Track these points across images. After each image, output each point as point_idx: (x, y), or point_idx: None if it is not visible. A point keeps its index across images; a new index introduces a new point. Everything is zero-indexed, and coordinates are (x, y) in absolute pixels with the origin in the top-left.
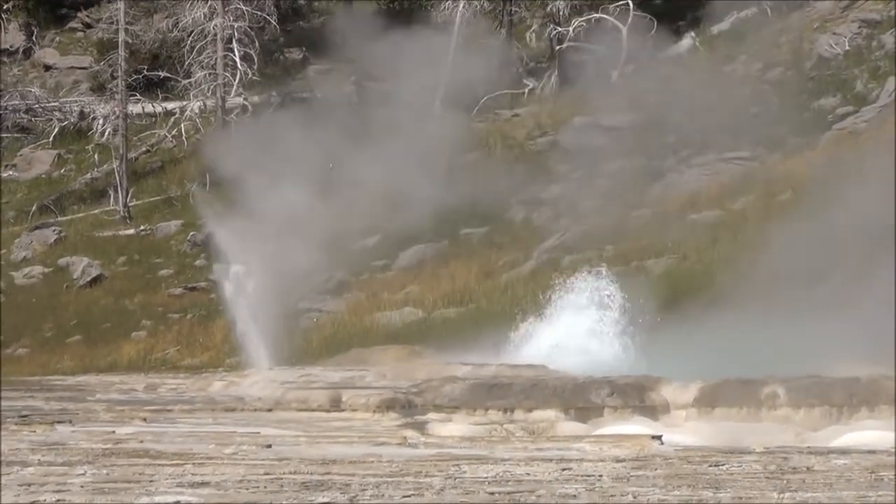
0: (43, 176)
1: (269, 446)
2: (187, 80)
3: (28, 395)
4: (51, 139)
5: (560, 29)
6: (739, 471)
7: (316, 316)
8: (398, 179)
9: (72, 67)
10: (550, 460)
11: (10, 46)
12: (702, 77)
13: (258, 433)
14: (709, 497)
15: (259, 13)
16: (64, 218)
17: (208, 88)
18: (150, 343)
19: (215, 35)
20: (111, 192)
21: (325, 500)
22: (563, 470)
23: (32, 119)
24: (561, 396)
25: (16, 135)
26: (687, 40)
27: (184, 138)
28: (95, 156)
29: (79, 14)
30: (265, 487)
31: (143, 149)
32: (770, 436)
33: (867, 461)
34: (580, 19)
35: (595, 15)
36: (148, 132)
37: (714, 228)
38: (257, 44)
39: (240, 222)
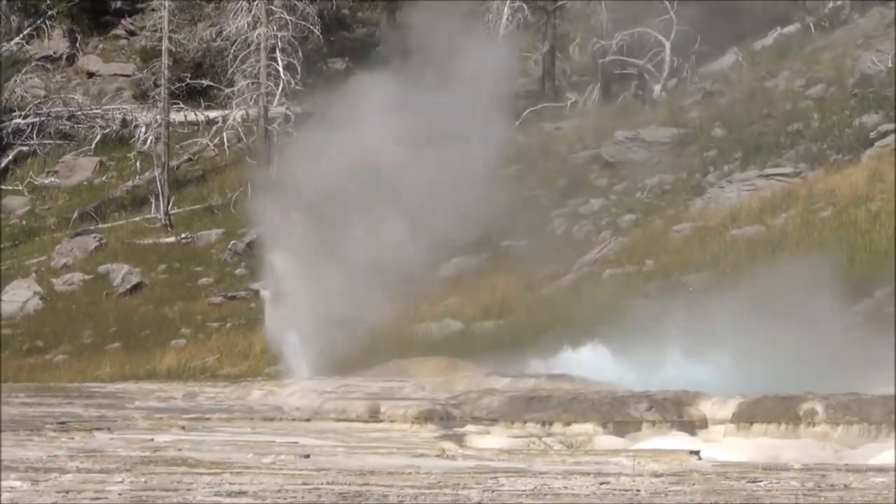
0: (84, 183)
1: (308, 456)
2: (230, 89)
3: (67, 402)
4: (93, 146)
5: (603, 42)
6: (777, 487)
7: (355, 326)
8: (441, 189)
9: (115, 75)
10: (588, 474)
11: (54, 53)
12: (744, 92)
13: (296, 443)
14: None
15: (303, 23)
16: (105, 225)
17: (251, 97)
18: (189, 351)
19: (259, 44)
20: (152, 200)
21: None
22: (601, 484)
23: (75, 126)
24: (599, 410)
25: (58, 141)
26: (730, 55)
27: (226, 147)
28: (137, 163)
29: (122, 21)
30: (303, 498)
31: (185, 157)
32: (808, 452)
33: None
34: (623, 33)
35: (638, 29)
36: (190, 140)
37: (754, 244)
38: (300, 53)
39: (282, 231)
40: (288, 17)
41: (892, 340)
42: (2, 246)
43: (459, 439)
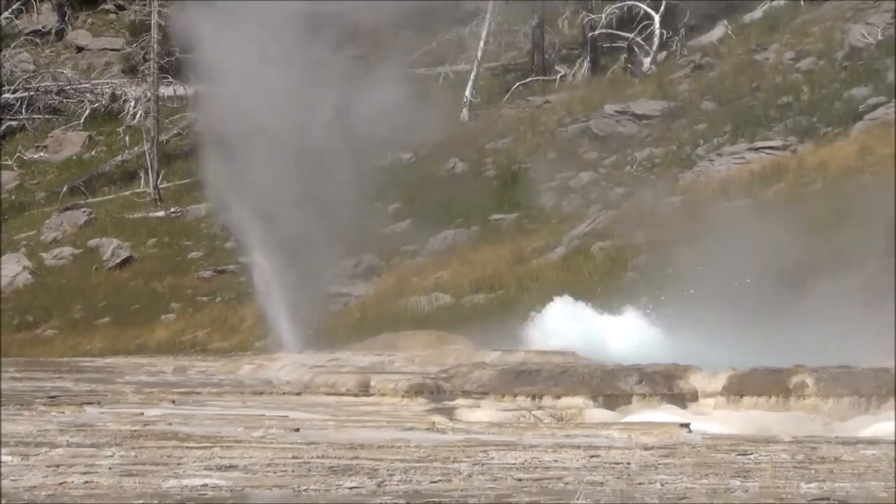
0: (74, 157)
1: (298, 430)
2: None
3: (57, 377)
4: (82, 121)
5: (593, 16)
6: (767, 460)
7: (346, 300)
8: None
9: (104, 49)
10: (578, 447)
11: (43, 27)
12: (734, 65)
13: (287, 417)
14: (736, 486)
15: None
16: (94, 199)
17: None
18: (179, 325)
19: None
20: (142, 175)
21: (353, 484)
22: (592, 457)
23: (64, 100)
24: (589, 383)
25: (47, 116)
26: (719, 28)
27: None
28: (126, 138)
29: None
30: (293, 471)
31: (174, 131)
32: (798, 425)
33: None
34: (613, 6)
35: (628, 2)
36: (179, 115)
37: (744, 217)
38: None
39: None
40: None
41: (886, 312)
42: None
43: (449, 413)
